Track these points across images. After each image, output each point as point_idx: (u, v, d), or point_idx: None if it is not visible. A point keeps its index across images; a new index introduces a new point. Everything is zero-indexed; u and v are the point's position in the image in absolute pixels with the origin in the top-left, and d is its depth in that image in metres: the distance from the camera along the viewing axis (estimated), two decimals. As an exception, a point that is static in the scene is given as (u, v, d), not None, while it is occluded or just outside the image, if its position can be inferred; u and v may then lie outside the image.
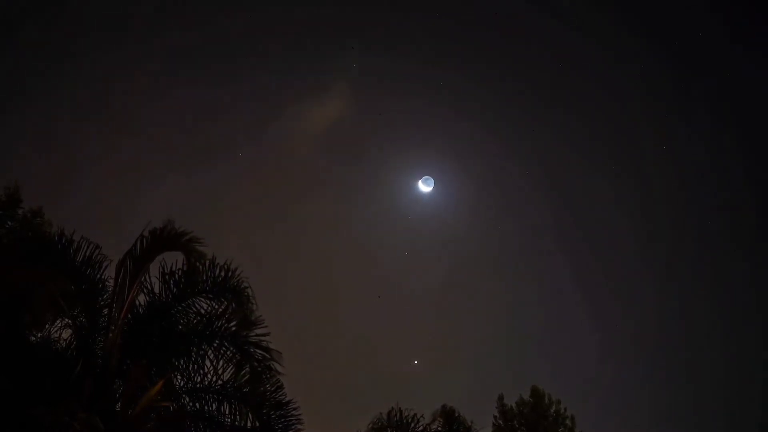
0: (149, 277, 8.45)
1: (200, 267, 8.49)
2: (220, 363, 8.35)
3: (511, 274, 30.48)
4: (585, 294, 29.46)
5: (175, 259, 8.55)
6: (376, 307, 29.40)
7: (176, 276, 8.55)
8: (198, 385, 8.35)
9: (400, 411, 12.57)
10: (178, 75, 26.21)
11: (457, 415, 14.06)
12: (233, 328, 8.46)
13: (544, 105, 27.60)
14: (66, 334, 8.19)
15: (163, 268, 8.54)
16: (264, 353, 8.30)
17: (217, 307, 8.57)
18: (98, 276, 8.37)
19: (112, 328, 7.85)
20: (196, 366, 8.37)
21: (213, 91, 26.64)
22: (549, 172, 29.08)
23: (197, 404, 8.34)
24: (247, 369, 8.29)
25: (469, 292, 30.18)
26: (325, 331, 27.91)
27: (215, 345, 8.33)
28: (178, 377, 8.36)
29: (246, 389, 8.30)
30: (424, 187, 27.00)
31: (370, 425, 12.41)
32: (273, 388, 8.50)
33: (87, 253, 8.33)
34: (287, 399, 8.57)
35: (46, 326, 8.21)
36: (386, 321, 29.48)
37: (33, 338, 8.22)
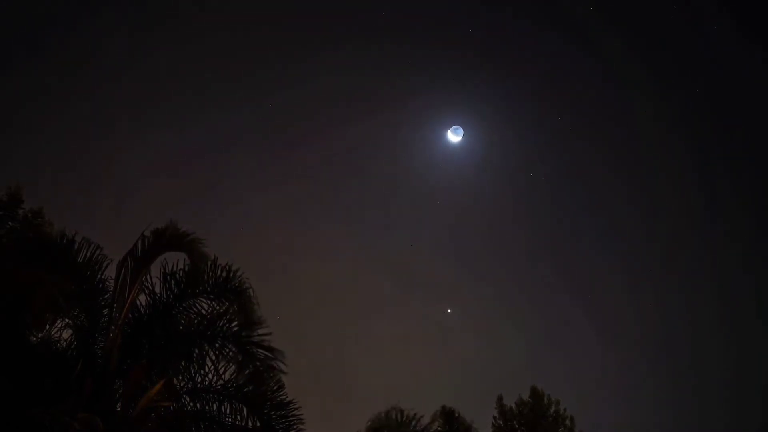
0: (150, 277, 8.45)
1: (202, 267, 8.48)
2: (222, 363, 8.35)
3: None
4: (587, 287, 29.20)
5: (176, 259, 8.56)
6: (402, 261, 28.19)
7: (177, 276, 8.53)
8: (199, 385, 8.33)
9: (401, 411, 12.57)
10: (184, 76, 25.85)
11: (457, 415, 14.09)
12: (235, 329, 8.45)
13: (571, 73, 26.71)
14: (66, 334, 8.18)
15: (164, 269, 8.54)
16: (267, 353, 8.29)
17: (218, 307, 8.57)
18: (99, 276, 8.38)
19: (113, 328, 7.84)
20: (196, 366, 8.36)
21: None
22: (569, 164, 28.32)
23: (198, 404, 8.32)
24: (249, 369, 8.28)
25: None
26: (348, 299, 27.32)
27: (217, 345, 8.32)
28: (179, 377, 8.35)
29: (247, 389, 8.29)
30: (453, 136, 25.20)
31: (369, 423, 12.40)
32: (275, 388, 8.48)
33: (88, 253, 8.35)
34: (288, 399, 8.54)
35: (46, 326, 8.18)
36: (406, 277, 28.58)
37: (33, 338, 8.19)
